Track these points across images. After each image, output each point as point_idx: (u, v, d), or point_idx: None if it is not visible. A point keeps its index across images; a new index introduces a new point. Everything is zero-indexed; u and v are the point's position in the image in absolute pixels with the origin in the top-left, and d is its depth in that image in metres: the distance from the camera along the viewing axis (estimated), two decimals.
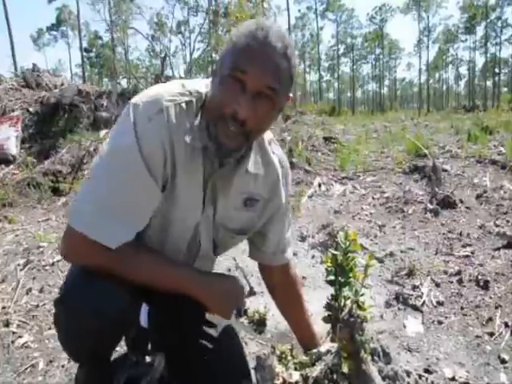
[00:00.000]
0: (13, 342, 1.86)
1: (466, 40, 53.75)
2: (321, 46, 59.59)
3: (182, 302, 1.12)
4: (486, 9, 46.11)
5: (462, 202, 3.95)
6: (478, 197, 4.17)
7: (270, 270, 1.44)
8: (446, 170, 5.15)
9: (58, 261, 2.67)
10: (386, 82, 72.48)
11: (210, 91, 1.06)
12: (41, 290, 2.30)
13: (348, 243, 1.09)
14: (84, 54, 48.54)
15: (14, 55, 32.42)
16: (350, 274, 1.10)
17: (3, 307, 2.11)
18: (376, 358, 1.22)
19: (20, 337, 1.90)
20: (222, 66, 1.00)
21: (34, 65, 7.49)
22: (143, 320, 1.36)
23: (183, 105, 1.05)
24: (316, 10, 54.13)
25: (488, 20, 47.42)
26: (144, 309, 1.36)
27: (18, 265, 2.59)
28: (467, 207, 3.88)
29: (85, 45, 49.87)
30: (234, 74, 0.97)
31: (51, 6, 48.75)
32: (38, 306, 2.16)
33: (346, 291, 1.09)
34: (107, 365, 1.28)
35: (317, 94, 63.35)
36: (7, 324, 1.97)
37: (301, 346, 1.47)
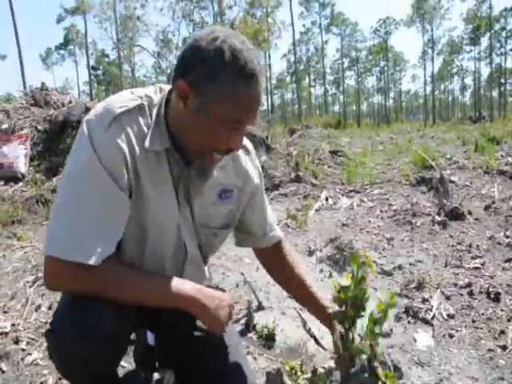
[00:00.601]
0: (22, 359, 1.86)
1: (471, 51, 53.74)
2: (325, 59, 59.93)
3: (180, 325, 1.10)
4: (490, 20, 46.23)
5: (470, 213, 3.93)
6: (487, 208, 4.15)
7: (265, 253, 1.43)
8: (453, 182, 5.13)
9: None
10: (392, 94, 72.61)
11: (191, 123, 1.04)
12: (50, 307, 2.29)
13: (360, 273, 1.04)
14: (91, 71, 49.28)
15: (23, 75, 32.89)
16: (363, 313, 1.05)
17: (12, 324, 2.11)
18: None
19: (29, 354, 1.90)
20: (214, 111, 1.00)
21: (43, 83, 7.60)
22: (150, 338, 1.36)
23: (136, 108, 1.06)
24: (320, 24, 54.55)
25: (492, 31, 47.52)
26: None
27: (27, 282, 2.59)
28: (476, 218, 3.85)
29: (92, 63, 50.67)
30: (229, 126, 1.02)
31: (59, 26, 49.69)
32: (46, 322, 2.15)
33: (357, 329, 1.07)
34: (113, 382, 1.27)
35: (322, 107, 63.60)
36: (17, 341, 1.97)
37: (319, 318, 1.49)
